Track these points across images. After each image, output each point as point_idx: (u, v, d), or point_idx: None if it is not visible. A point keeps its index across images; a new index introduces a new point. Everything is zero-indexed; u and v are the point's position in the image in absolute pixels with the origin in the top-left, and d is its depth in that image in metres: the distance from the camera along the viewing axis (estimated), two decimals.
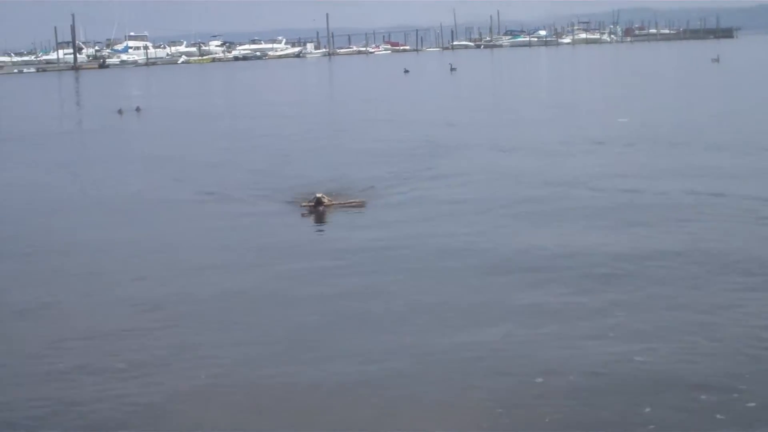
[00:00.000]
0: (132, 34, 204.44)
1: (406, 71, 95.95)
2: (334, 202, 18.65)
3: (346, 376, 9.64)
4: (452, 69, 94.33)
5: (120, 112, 50.30)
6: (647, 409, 8.66)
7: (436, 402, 9.04)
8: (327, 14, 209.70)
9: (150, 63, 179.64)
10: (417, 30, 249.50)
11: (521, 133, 32.04)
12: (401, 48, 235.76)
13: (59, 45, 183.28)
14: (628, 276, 12.88)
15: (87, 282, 13.83)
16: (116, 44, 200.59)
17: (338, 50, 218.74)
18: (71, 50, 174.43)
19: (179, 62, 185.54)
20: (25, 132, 40.84)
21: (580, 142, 28.62)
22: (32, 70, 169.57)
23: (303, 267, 14.21)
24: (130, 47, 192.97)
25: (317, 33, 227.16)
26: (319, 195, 18.48)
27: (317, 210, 18.26)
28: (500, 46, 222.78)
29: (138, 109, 50.95)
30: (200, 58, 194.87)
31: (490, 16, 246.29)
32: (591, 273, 13.08)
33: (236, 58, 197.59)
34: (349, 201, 19.03)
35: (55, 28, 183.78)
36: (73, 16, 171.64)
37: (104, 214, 19.57)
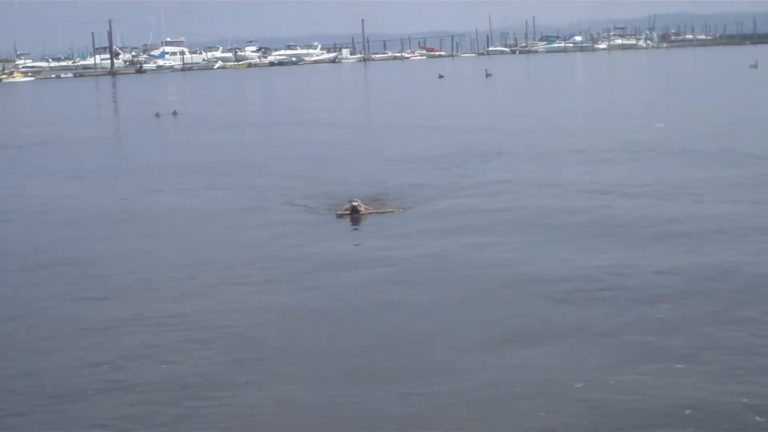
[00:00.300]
0: (168, 39, 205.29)
1: (441, 77, 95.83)
2: (369, 211, 18.40)
3: (391, 402, 9.31)
4: (487, 74, 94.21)
5: (157, 115, 50.74)
6: None
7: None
8: (362, 20, 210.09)
9: (186, 68, 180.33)
10: (452, 35, 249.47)
11: (557, 139, 31.74)
12: (436, 53, 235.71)
13: (96, 50, 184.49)
14: (672, 295, 12.35)
15: (132, 296, 13.49)
16: (153, 50, 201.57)
17: (373, 56, 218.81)
18: (108, 55, 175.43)
19: (215, 67, 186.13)
20: (63, 136, 41.04)
21: (617, 148, 28.34)
22: (69, 75, 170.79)
23: (340, 281, 13.83)
24: (167, 52, 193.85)
25: (353, 38, 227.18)
26: (355, 203, 18.23)
27: (353, 217, 18.04)
28: (536, 51, 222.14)
29: (175, 113, 51.36)
30: (236, 63, 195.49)
31: (526, 22, 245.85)
32: (636, 296, 12.42)
33: (272, 64, 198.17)
34: (384, 209, 18.79)
35: (93, 33, 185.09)
36: (110, 21, 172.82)
37: (141, 225, 19.27)
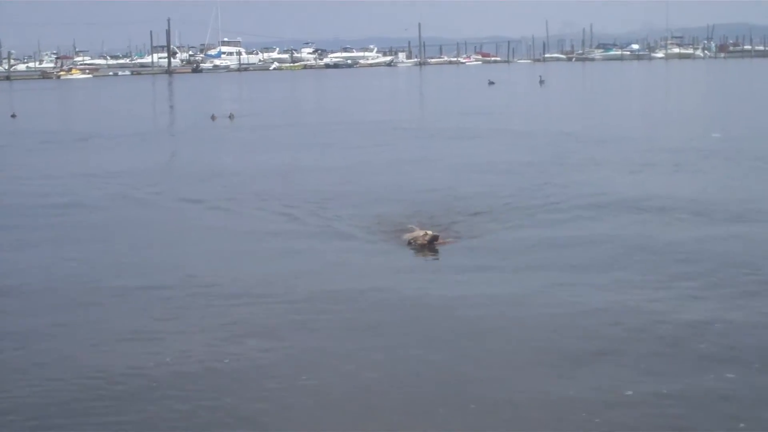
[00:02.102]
0: (225, 39, 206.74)
1: (491, 83, 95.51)
2: (448, 240, 16.35)
3: None
4: (541, 81, 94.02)
5: (213, 117, 50.49)
6: None
7: None
8: (419, 23, 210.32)
9: (242, 69, 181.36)
10: (509, 41, 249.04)
11: (613, 149, 31.47)
12: (492, 59, 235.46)
13: (154, 49, 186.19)
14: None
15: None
16: (210, 49, 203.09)
17: (429, 60, 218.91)
18: (165, 54, 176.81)
19: (271, 68, 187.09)
20: (119, 135, 41.49)
21: (677, 156, 28.24)
22: (127, 73, 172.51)
23: (423, 331, 11.40)
24: (223, 53, 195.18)
25: (409, 42, 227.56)
26: (431, 233, 15.91)
27: (430, 247, 15.79)
28: (592, 59, 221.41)
29: (231, 116, 51.28)
30: (292, 64, 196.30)
31: (583, 29, 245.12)
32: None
33: (327, 66, 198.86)
34: (454, 239, 16.55)
35: (151, 32, 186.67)
36: (168, 20, 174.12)
37: (187, 244, 17.23)
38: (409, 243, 16.09)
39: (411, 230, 16.72)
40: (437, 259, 15.37)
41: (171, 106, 73.08)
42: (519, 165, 27.30)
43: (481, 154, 30.64)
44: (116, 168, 29.03)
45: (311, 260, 15.40)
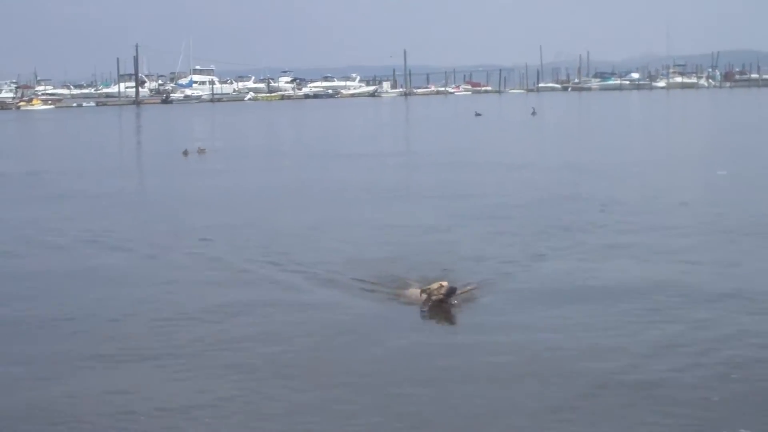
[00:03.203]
0: (198, 67, 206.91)
1: (478, 114, 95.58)
2: (460, 292, 15.04)
3: None
4: (533, 113, 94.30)
5: (185, 153, 50.21)
6: None
7: None
8: (405, 50, 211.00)
9: (215, 99, 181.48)
10: (500, 69, 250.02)
11: (603, 187, 31.24)
12: (482, 89, 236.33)
13: (121, 77, 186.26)
14: None
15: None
16: (181, 78, 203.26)
17: (416, 90, 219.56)
18: (133, 83, 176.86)
19: (246, 99, 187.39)
20: (80, 187, 41.31)
21: (677, 198, 28.03)
22: (92, 103, 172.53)
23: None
24: (195, 82, 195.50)
25: (394, 70, 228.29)
26: (446, 284, 14.68)
27: (445, 305, 14.64)
28: (589, 89, 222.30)
29: (201, 151, 51.14)
30: (269, 95, 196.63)
31: (579, 56, 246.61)
32: None
33: (307, 96, 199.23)
34: (469, 287, 15.52)
35: (118, 59, 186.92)
36: (136, 46, 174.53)
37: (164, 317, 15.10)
38: (423, 302, 14.76)
39: (411, 286, 15.66)
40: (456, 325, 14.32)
41: (138, 142, 73.02)
42: (507, 208, 27.08)
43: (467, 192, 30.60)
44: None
45: (306, 329, 14.05)
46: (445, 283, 14.77)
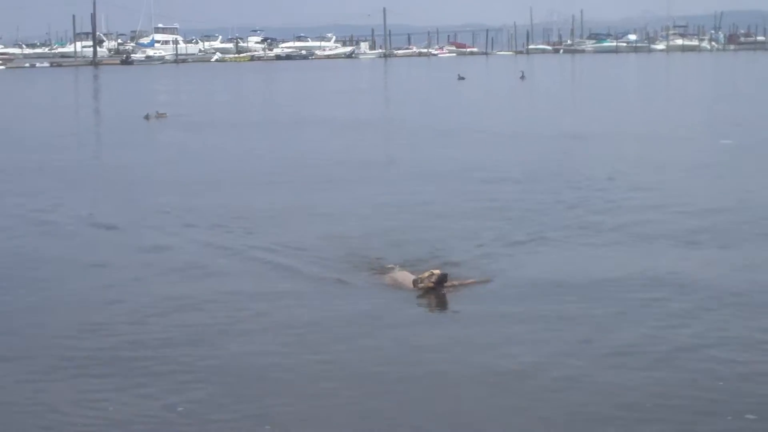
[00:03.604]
0: (160, 26, 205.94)
1: (461, 78, 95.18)
2: (457, 283, 14.87)
3: None
4: (522, 77, 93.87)
5: (147, 117, 50.08)
6: None
7: None
8: (384, 8, 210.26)
9: (180, 60, 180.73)
10: (487, 30, 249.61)
11: (600, 168, 30.29)
12: (468, 50, 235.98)
13: (77, 36, 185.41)
14: None
15: None
16: (142, 37, 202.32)
17: (396, 51, 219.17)
18: (91, 43, 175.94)
19: (213, 60, 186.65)
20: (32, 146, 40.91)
21: (681, 168, 28.19)
22: (45, 64, 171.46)
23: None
24: (158, 41, 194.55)
25: (372, 30, 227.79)
26: (436, 271, 14.56)
27: (437, 291, 14.52)
28: (582, 51, 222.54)
29: (161, 116, 50.90)
30: (237, 56, 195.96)
31: (572, 16, 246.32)
32: None
33: (278, 57, 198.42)
34: (466, 280, 15.14)
35: (74, 16, 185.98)
36: (94, 3, 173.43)
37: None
38: (418, 287, 14.60)
39: (390, 271, 15.53)
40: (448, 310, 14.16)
41: (96, 104, 72.92)
42: (499, 180, 26.84)
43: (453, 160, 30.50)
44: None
45: (285, 315, 13.71)
46: (436, 271, 14.60)
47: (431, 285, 14.49)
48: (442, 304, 14.25)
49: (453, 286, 14.65)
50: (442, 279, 14.48)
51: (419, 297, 14.42)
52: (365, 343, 12.50)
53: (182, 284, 15.72)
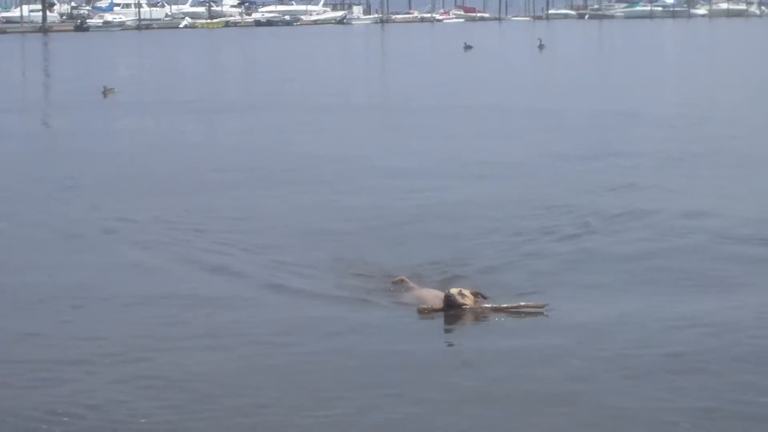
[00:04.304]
0: None
1: (468, 47, 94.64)
2: (485, 305, 14.19)
3: None
4: (540, 46, 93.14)
5: (105, 92, 50.39)
6: None
7: None
8: None
9: (143, 26, 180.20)
10: None
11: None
12: (478, 15, 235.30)
13: None
14: None
15: None
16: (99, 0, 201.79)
17: (394, 16, 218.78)
18: (39, 6, 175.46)
19: (181, 26, 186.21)
20: None
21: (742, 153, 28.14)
22: None
23: None
24: (117, 4, 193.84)
25: None
26: (454, 290, 14.09)
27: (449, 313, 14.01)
28: (612, 16, 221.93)
29: (109, 91, 50.89)
30: (210, 21, 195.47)
31: None
32: None
33: (258, 23, 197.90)
34: (518, 306, 14.21)
35: None
36: None
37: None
38: (421, 309, 14.25)
39: (400, 283, 15.32)
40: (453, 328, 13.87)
41: (47, 75, 72.74)
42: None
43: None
44: None
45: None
46: (466, 291, 14.16)
47: (439, 308, 14.06)
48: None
49: (502, 310, 14.08)
50: (451, 301, 13.96)
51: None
52: None
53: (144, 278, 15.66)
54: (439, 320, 13.99)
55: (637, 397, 11.30)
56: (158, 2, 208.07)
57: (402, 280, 15.40)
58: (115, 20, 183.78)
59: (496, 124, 37.03)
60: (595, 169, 25.97)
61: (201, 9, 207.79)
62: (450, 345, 13.62)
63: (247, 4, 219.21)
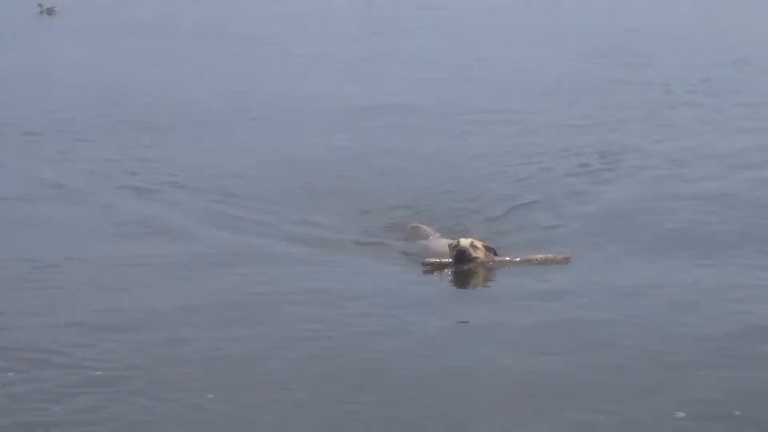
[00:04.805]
0: None
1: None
2: (496, 259, 14.46)
3: None
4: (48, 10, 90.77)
5: (42, 11, 49.40)
6: None
7: None
8: None
9: None
10: None
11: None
12: None
13: None
14: None
15: None
16: None
17: None
18: None
19: None
20: None
21: None
22: None
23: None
24: None
25: None
26: (462, 240, 14.32)
27: (459, 267, 14.21)
28: None
29: (49, 11, 49.47)
30: None
31: None
32: None
33: None
34: (533, 257, 14.63)
35: None
36: None
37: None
38: (425, 263, 14.51)
39: (416, 230, 15.73)
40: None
41: None
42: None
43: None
44: None
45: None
46: (478, 242, 14.33)
47: (446, 261, 14.21)
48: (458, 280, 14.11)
49: (528, 261, 14.37)
50: (462, 254, 14.01)
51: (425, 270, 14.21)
52: None
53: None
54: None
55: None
56: None
57: (416, 227, 15.82)
58: None
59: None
60: None
61: None
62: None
63: None
